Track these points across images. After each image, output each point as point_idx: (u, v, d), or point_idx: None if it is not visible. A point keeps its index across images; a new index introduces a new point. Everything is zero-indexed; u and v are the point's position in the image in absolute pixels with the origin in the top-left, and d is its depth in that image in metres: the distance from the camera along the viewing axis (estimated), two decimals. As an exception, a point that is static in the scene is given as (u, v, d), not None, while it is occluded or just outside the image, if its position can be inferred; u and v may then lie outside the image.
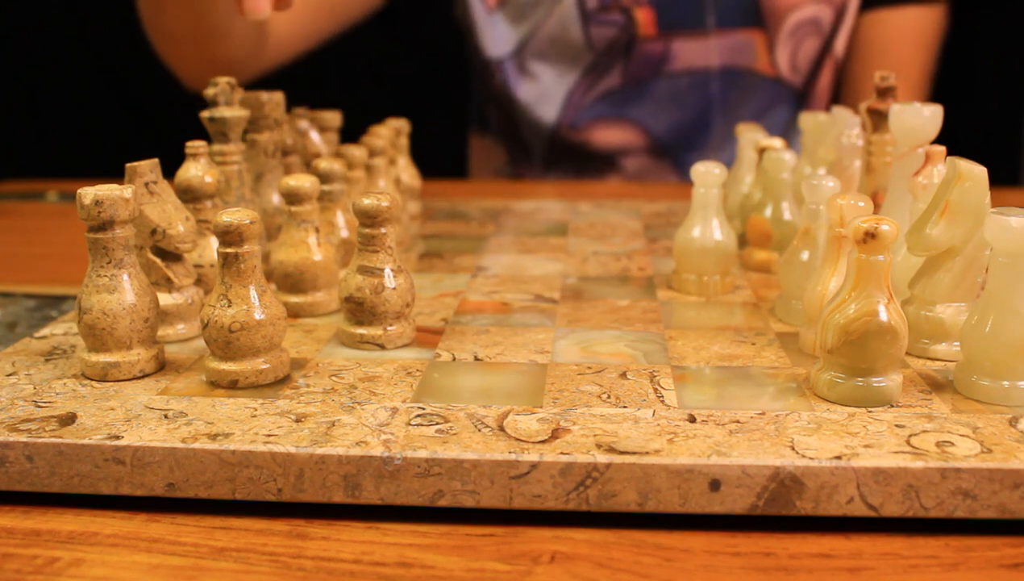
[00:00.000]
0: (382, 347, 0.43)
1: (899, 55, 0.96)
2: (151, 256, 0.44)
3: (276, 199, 0.56)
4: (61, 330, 0.46)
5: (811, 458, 0.32)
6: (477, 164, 1.10)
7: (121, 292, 0.39)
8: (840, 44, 0.98)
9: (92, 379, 0.39)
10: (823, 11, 0.95)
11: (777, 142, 0.62)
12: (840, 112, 0.63)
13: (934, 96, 0.99)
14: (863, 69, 0.98)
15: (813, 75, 0.98)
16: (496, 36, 0.98)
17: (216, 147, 0.52)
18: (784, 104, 0.98)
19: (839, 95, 1.01)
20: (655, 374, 0.40)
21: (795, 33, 0.95)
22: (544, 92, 0.98)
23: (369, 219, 0.43)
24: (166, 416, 0.35)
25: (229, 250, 0.38)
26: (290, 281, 0.48)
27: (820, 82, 0.99)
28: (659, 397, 0.37)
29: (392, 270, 0.43)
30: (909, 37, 0.96)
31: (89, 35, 1.45)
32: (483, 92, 1.04)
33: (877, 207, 0.51)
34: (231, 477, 0.33)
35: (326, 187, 0.54)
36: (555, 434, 0.34)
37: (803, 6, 0.94)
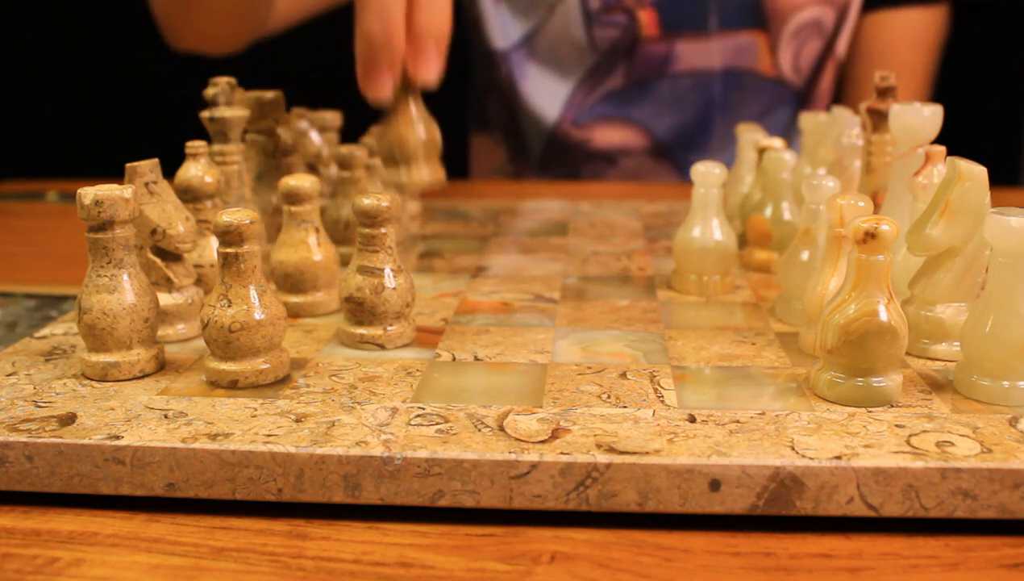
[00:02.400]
0: (382, 347, 0.43)
1: (900, 57, 0.96)
2: (151, 256, 0.44)
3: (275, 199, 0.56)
4: (61, 330, 0.46)
5: (811, 458, 0.32)
6: (477, 163, 1.10)
7: (121, 292, 0.39)
8: (842, 45, 0.98)
9: (92, 379, 0.39)
10: (825, 12, 0.95)
11: (777, 142, 0.62)
12: (840, 112, 0.63)
13: (934, 96, 0.99)
14: (864, 70, 0.98)
15: (815, 76, 0.98)
16: (503, 27, 0.98)
17: (216, 147, 0.52)
18: (785, 105, 0.98)
19: (840, 96, 1.01)
20: (655, 374, 0.40)
21: (798, 34, 0.95)
22: (546, 92, 0.98)
23: (369, 219, 0.43)
24: (166, 416, 0.35)
25: (229, 250, 0.38)
26: (290, 281, 0.48)
27: (822, 83, 0.99)
28: (659, 397, 0.37)
29: (392, 270, 0.43)
30: (911, 39, 0.96)
31: (89, 35, 1.45)
32: (485, 84, 1.04)
33: (877, 207, 0.51)
34: (231, 477, 0.33)
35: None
36: (555, 434, 0.34)
37: (806, 7, 0.94)
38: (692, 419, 0.35)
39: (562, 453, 0.32)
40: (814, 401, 0.37)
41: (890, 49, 0.96)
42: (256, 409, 0.36)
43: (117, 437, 0.33)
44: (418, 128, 0.49)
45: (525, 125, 1.00)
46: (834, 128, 0.64)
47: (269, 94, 0.56)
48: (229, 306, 0.38)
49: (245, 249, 0.38)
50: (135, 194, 0.39)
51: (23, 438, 0.33)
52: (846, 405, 0.36)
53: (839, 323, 0.36)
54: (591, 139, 0.98)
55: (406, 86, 0.50)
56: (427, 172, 0.50)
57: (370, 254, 0.43)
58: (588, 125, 0.98)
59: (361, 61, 0.50)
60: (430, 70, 0.51)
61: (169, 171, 0.46)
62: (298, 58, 1.39)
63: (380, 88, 0.50)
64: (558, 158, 1.00)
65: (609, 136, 0.98)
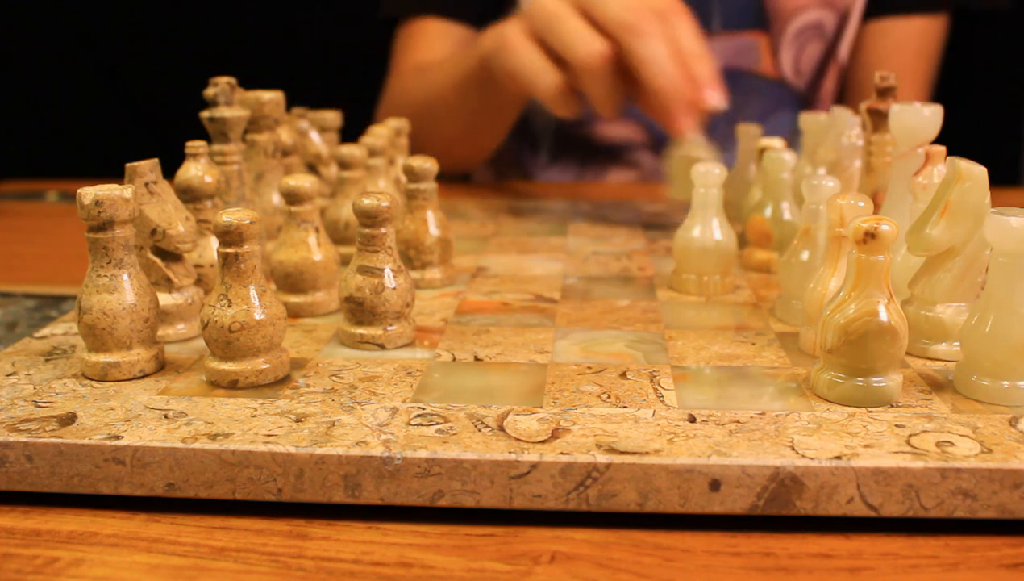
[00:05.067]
0: (382, 347, 0.43)
1: (903, 63, 0.96)
2: (151, 256, 0.44)
3: (276, 199, 0.56)
4: (61, 330, 0.46)
5: (811, 458, 0.32)
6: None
7: (121, 292, 0.39)
8: (844, 50, 0.98)
9: (92, 379, 0.39)
10: (827, 16, 0.95)
11: (777, 142, 0.62)
12: (840, 112, 0.63)
13: (934, 95, 0.99)
14: (867, 75, 0.98)
15: (817, 79, 0.98)
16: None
17: (216, 147, 0.52)
18: (788, 107, 0.98)
19: (843, 100, 1.01)
20: (655, 374, 0.40)
21: (798, 37, 0.95)
22: None
23: (369, 219, 0.43)
24: (166, 416, 0.35)
25: (229, 250, 0.38)
26: (290, 281, 0.48)
27: (824, 87, 0.99)
28: (659, 397, 0.37)
29: (392, 270, 0.43)
30: (914, 46, 0.96)
31: (89, 35, 1.45)
32: None
33: (877, 207, 0.51)
34: (231, 477, 0.33)
35: (419, 186, 0.54)
36: (555, 434, 0.34)
37: (807, 10, 0.94)
38: (692, 419, 0.35)
39: (562, 453, 0.32)
40: (814, 401, 0.37)
41: (893, 55, 0.96)
42: (256, 409, 0.36)
43: (117, 437, 0.33)
44: (433, 231, 0.53)
45: (534, 119, 1.00)
46: (834, 128, 0.64)
47: (269, 94, 0.56)
48: (229, 306, 0.38)
49: (245, 249, 0.38)
50: (135, 194, 0.39)
51: (23, 438, 0.33)
52: (846, 405, 0.36)
53: (839, 323, 0.36)
54: (594, 133, 0.98)
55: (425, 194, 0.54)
56: (440, 275, 0.54)
57: (370, 254, 0.43)
58: (590, 119, 0.98)
59: (661, 112, 0.65)
60: (716, 99, 0.65)
61: (169, 171, 0.46)
62: (298, 58, 1.39)
63: (684, 128, 0.64)
64: (567, 151, 1.00)
65: (611, 130, 0.98)
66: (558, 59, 0.68)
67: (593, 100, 0.68)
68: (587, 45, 0.65)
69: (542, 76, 0.69)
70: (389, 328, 0.43)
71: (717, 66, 0.66)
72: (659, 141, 0.98)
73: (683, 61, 0.64)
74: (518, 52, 0.70)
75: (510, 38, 0.71)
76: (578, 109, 0.71)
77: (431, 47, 0.98)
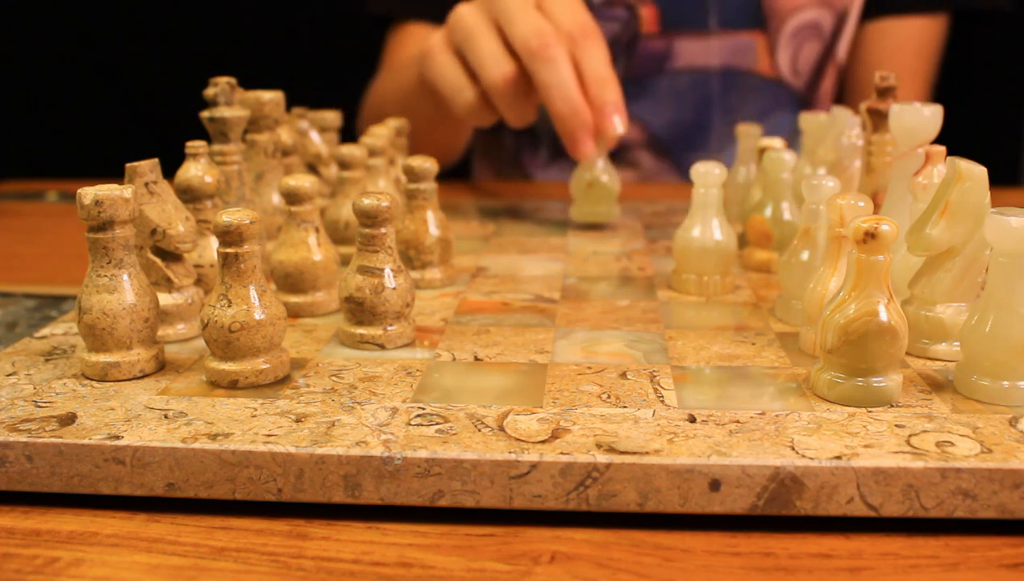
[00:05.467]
0: (382, 347, 0.43)
1: (903, 63, 0.96)
2: (151, 256, 0.44)
3: (276, 199, 0.56)
4: (61, 330, 0.46)
5: (811, 458, 0.32)
6: (478, 161, 1.10)
7: (121, 292, 0.39)
8: (842, 49, 0.98)
9: (92, 379, 0.39)
10: (824, 15, 0.95)
11: (777, 142, 0.62)
12: (840, 112, 0.63)
13: (934, 95, 0.99)
14: (866, 75, 0.98)
15: (815, 79, 0.98)
16: None
17: (216, 147, 0.52)
18: (787, 107, 0.98)
19: (844, 100, 1.01)
20: (655, 374, 0.40)
21: (795, 36, 0.95)
22: None
23: (369, 219, 0.43)
24: (166, 416, 0.35)
25: (229, 250, 0.38)
26: (290, 281, 0.48)
27: (823, 87, 0.99)
28: (659, 397, 0.37)
29: (392, 270, 0.43)
30: (913, 46, 0.96)
31: (89, 35, 1.45)
32: None
33: (877, 207, 0.51)
34: (231, 477, 0.33)
35: (419, 186, 0.54)
36: (555, 434, 0.34)
37: (804, 9, 0.94)
38: (692, 419, 0.35)
39: (562, 453, 0.32)
40: (814, 401, 0.37)
41: (893, 55, 0.96)
42: (256, 409, 0.36)
43: (117, 437, 0.33)
44: (433, 231, 0.53)
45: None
46: (834, 128, 0.64)
47: (269, 94, 0.56)
48: (229, 306, 0.38)
49: (245, 249, 0.38)
50: (135, 194, 0.39)
51: (23, 438, 0.33)
52: (846, 405, 0.36)
53: (839, 323, 0.36)
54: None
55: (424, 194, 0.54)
56: (440, 275, 0.54)
57: (370, 254, 0.43)
58: None
59: (565, 136, 0.65)
60: (619, 125, 0.65)
61: (169, 171, 0.46)
62: (298, 58, 1.39)
63: (585, 153, 0.65)
64: (566, 151, 1.00)
65: None
66: (474, 73, 0.68)
67: (503, 115, 0.69)
68: (496, 67, 0.66)
69: (458, 93, 0.69)
70: (389, 328, 0.43)
71: (621, 93, 0.65)
72: (659, 141, 0.98)
73: (588, 86, 0.65)
74: (438, 65, 0.70)
75: (432, 49, 0.71)
76: (493, 120, 0.71)
77: (413, 51, 0.98)
